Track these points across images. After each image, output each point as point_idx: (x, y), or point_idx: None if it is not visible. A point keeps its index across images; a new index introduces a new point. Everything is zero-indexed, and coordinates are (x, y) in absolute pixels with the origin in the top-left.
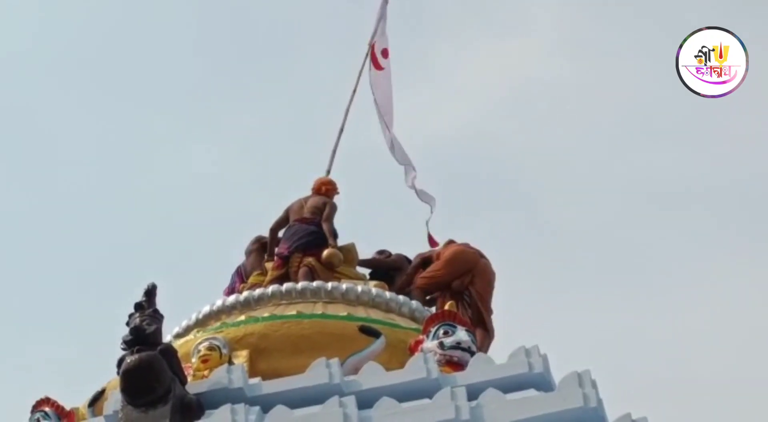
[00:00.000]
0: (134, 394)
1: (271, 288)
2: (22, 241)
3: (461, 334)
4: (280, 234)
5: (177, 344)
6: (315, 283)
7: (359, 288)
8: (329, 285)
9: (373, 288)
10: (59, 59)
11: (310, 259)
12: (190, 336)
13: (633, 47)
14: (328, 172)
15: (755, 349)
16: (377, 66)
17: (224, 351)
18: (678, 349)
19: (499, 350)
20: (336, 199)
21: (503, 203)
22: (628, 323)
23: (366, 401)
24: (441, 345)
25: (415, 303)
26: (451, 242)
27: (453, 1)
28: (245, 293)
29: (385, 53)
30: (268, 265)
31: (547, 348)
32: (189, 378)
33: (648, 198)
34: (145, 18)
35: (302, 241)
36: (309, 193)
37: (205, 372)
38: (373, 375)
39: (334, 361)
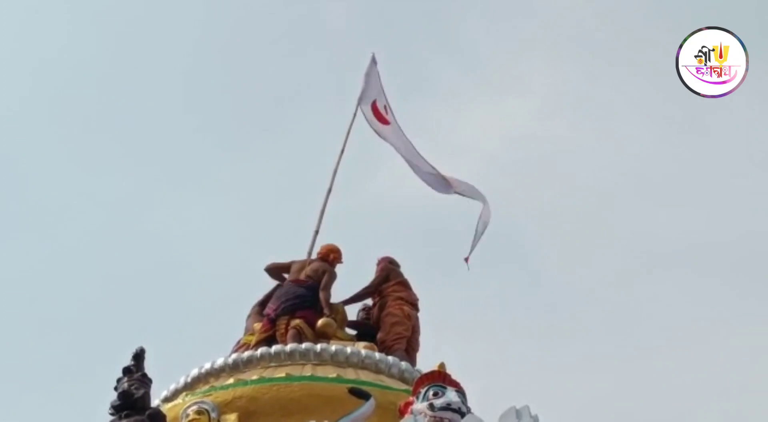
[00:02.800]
0: None
1: (260, 351)
2: (8, 303)
3: (451, 395)
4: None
5: (165, 408)
6: (304, 345)
7: (348, 349)
8: (318, 347)
9: (363, 349)
10: (51, 115)
11: (297, 321)
12: (179, 400)
13: (627, 105)
14: (317, 231)
15: (748, 411)
16: (383, 120)
17: (213, 414)
18: (670, 410)
19: (492, 411)
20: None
21: (499, 259)
22: (620, 383)
23: None
24: (431, 406)
25: (404, 365)
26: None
27: (451, 62)
28: (234, 356)
29: (387, 109)
30: (256, 326)
31: (538, 408)
32: None
33: (643, 256)
34: (140, 73)
35: (290, 303)
36: (305, 256)
37: None
38: None
39: None
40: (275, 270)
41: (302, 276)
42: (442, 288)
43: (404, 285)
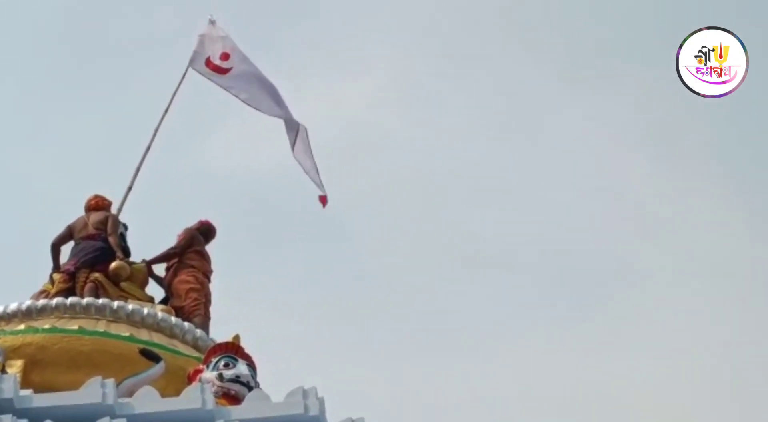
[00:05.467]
0: None
1: (55, 301)
2: None
3: (242, 368)
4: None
5: None
6: (101, 300)
7: (145, 310)
8: (115, 304)
9: (159, 312)
10: None
11: (96, 275)
12: None
13: (465, 105)
14: (130, 188)
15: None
16: (221, 70)
17: None
18: (467, 406)
19: (281, 389)
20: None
21: (319, 237)
22: (420, 375)
23: None
24: (220, 376)
25: (199, 332)
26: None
27: (298, 35)
28: (28, 302)
29: (224, 56)
30: (56, 277)
31: (329, 393)
32: None
33: (461, 255)
34: None
35: (89, 257)
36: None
37: None
38: (147, 400)
39: (110, 381)
40: (61, 243)
41: (92, 231)
42: (254, 262)
43: (201, 254)
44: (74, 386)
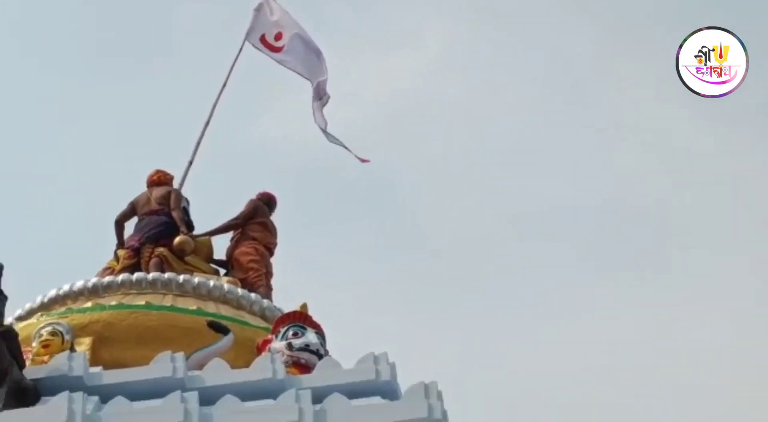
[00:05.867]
0: None
1: (120, 277)
2: None
3: (310, 336)
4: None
5: (19, 327)
6: (166, 275)
7: (211, 282)
8: (181, 277)
9: (226, 284)
10: None
11: (161, 249)
12: (33, 320)
13: (514, 69)
14: (191, 162)
15: (603, 375)
16: (274, 49)
17: (67, 337)
18: (534, 376)
19: (352, 356)
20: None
21: (377, 208)
22: (485, 341)
23: (209, 398)
24: (289, 346)
25: (266, 302)
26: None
27: (347, 9)
28: (94, 279)
29: (278, 36)
30: (121, 254)
31: (399, 358)
32: (28, 363)
33: (523, 218)
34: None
35: (153, 232)
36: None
37: (45, 358)
38: (217, 372)
39: (179, 355)
40: (124, 219)
41: (155, 206)
42: (314, 233)
43: (265, 226)
44: (143, 361)
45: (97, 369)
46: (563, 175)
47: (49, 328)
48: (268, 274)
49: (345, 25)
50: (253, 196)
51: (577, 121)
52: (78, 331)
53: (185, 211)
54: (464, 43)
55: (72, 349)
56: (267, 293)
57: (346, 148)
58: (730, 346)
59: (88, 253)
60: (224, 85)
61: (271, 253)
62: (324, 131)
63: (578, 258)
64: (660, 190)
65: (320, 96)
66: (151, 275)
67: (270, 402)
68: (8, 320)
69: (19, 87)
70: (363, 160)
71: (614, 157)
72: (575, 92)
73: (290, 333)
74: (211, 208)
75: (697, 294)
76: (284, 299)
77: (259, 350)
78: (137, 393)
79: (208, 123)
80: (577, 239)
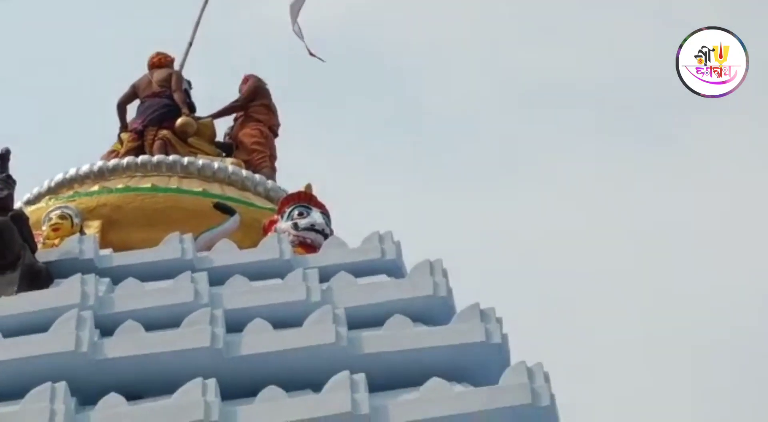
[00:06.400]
0: None
1: (126, 160)
2: None
3: (316, 216)
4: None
5: (28, 211)
6: (171, 157)
7: (215, 164)
8: (185, 159)
9: (230, 165)
10: None
11: (164, 132)
12: (42, 204)
13: None
14: (190, 43)
15: (609, 247)
16: None
17: (76, 220)
18: (538, 248)
19: (356, 235)
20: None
21: (380, 87)
22: (491, 218)
23: (217, 278)
24: (295, 225)
25: (271, 183)
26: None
27: None
28: (99, 163)
29: None
30: (124, 137)
31: (404, 237)
32: (39, 246)
33: (527, 93)
34: None
35: (156, 114)
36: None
37: (56, 241)
38: (225, 253)
39: (188, 236)
40: (126, 102)
41: (156, 88)
42: (315, 116)
43: (269, 108)
44: (151, 243)
45: (107, 251)
46: (568, 49)
47: (58, 212)
48: (273, 156)
49: None
50: (243, 79)
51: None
52: (86, 214)
53: (187, 93)
54: None
55: (81, 232)
56: (271, 174)
57: (303, 41)
58: (732, 212)
59: (91, 137)
60: None
61: (275, 134)
62: (293, 20)
63: (581, 133)
64: (665, 60)
65: None
66: (156, 157)
67: (278, 281)
68: (17, 204)
69: None
70: (312, 55)
71: (622, 31)
72: None
73: (295, 213)
74: (212, 90)
75: (700, 162)
76: (288, 180)
77: (266, 231)
78: (147, 274)
79: (206, 3)
80: (581, 113)
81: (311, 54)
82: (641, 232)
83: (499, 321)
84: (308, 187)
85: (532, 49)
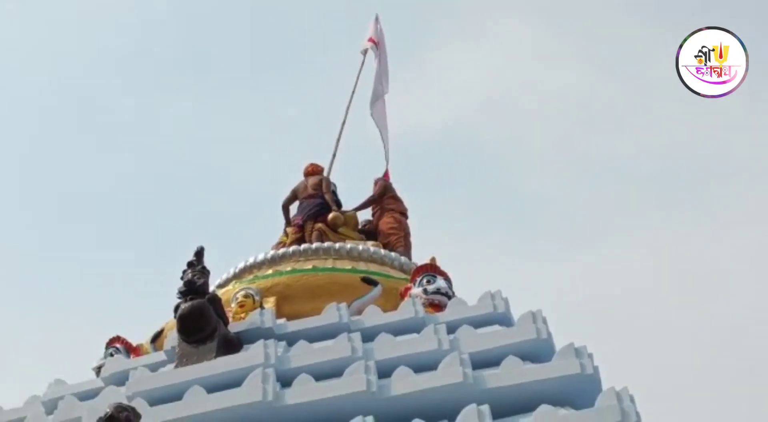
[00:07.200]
0: (188, 333)
1: (292, 248)
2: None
3: (440, 283)
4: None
5: (220, 292)
6: (326, 244)
7: (360, 246)
8: (337, 245)
9: (371, 246)
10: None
11: (319, 225)
12: (230, 287)
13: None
14: (334, 155)
15: (683, 294)
16: (372, 40)
17: (257, 298)
18: (615, 297)
19: (470, 295)
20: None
21: (476, 176)
22: (576, 276)
23: (368, 336)
24: (425, 291)
25: (404, 259)
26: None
27: (441, 13)
28: (272, 252)
29: (378, 31)
30: (289, 230)
31: (510, 295)
32: (230, 320)
33: (599, 172)
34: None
35: (312, 211)
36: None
37: (242, 315)
38: (373, 316)
39: (343, 305)
40: (288, 203)
41: (311, 191)
42: (431, 199)
43: (396, 199)
44: (315, 312)
45: (282, 320)
46: (628, 134)
47: (242, 292)
48: (407, 235)
49: (441, 28)
50: (374, 181)
51: (628, 86)
52: (264, 292)
53: (334, 193)
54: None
55: (261, 307)
56: (406, 251)
57: (384, 144)
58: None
59: (262, 233)
60: (353, 92)
61: (406, 217)
62: (380, 125)
63: (640, 201)
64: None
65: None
66: (315, 245)
67: (415, 335)
68: (211, 288)
69: (194, 99)
70: (386, 176)
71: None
72: (622, 66)
73: (425, 280)
74: (352, 190)
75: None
76: (419, 254)
77: (402, 296)
78: (314, 336)
79: (344, 123)
80: (637, 188)
81: (385, 176)
82: (698, 281)
83: (590, 356)
84: (433, 259)
85: (600, 136)
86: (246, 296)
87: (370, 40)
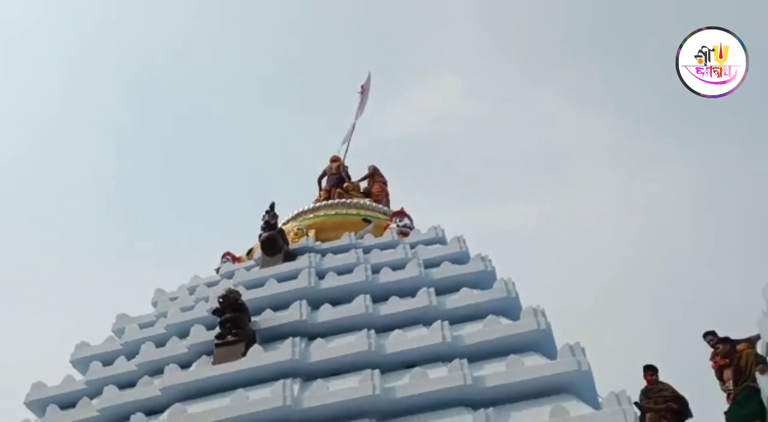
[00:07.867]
0: (267, 250)
1: (323, 202)
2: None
3: (406, 221)
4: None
5: (285, 227)
6: (343, 200)
7: (362, 201)
8: (348, 201)
9: (368, 201)
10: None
11: (339, 190)
12: (288, 225)
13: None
14: (346, 150)
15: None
16: (361, 90)
17: (304, 230)
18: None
19: (423, 227)
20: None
21: (428, 161)
22: (490, 212)
23: (366, 250)
24: (397, 225)
25: (386, 208)
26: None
27: (408, 64)
28: (312, 204)
29: (366, 83)
30: (322, 193)
31: (444, 226)
32: (290, 242)
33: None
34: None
35: (335, 182)
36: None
37: (296, 240)
38: (369, 239)
39: (353, 234)
40: (321, 178)
41: (334, 171)
42: (403, 176)
43: (381, 175)
44: (337, 238)
45: (318, 243)
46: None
47: (296, 227)
48: (387, 195)
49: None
50: (368, 167)
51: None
52: (308, 227)
53: (346, 172)
54: None
55: (306, 235)
56: (387, 204)
57: (347, 144)
58: None
59: (307, 194)
60: (356, 119)
61: (387, 185)
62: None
63: None
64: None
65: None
66: (336, 201)
67: (392, 250)
68: (279, 224)
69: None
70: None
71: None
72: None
73: (397, 220)
74: (356, 170)
75: None
76: (395, 205)
77: (385, 228)
78: (336, 250)
79: (351, 131)
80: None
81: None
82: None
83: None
84: (402, 209)
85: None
86: (298, 229)
87: (361, 86)
